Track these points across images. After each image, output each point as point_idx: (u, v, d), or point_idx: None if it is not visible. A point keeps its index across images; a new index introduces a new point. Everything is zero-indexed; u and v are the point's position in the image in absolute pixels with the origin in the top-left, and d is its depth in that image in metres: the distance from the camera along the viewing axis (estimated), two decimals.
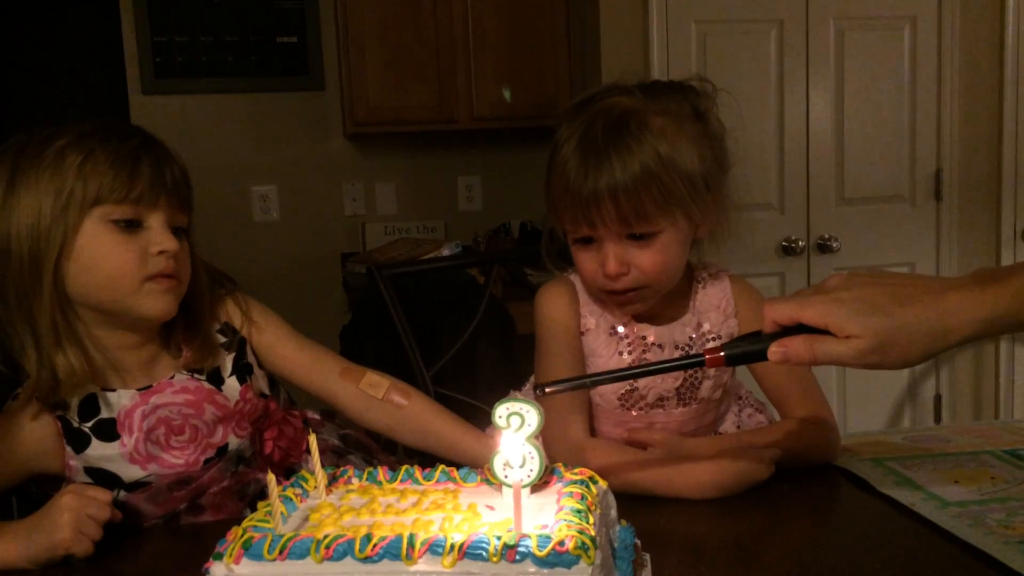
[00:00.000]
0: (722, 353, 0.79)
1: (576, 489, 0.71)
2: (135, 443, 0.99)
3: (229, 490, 1.05)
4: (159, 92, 3.32)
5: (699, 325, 1.13)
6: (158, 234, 0.99)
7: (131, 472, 1.00)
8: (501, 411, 0.72)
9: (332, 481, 0.78)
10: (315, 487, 0.76)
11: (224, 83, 3.35)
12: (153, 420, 1.01)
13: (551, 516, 0.67)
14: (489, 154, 3.52)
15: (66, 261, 0.96)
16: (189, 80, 3.34)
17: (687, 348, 1.12)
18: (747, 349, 0.79)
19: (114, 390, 1.01)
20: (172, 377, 1.04)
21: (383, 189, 3.54)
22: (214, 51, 3.35)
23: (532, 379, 1.21)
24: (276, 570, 0.62)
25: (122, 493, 0.99)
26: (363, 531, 0.64)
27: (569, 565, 0.60)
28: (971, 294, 0.75)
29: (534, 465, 0.72)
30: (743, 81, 2.85)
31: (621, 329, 1.12)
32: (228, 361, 1.09)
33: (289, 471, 1.09)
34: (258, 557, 0.62)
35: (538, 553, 0.60)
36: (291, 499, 0.72)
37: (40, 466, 0.99)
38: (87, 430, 0.99)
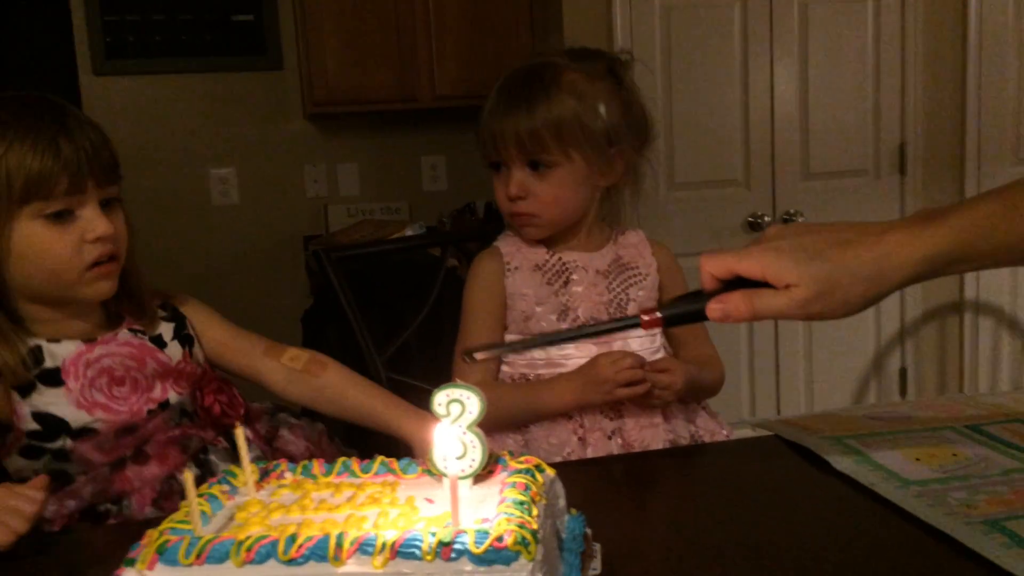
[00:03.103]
0: (659, 314, 0.76)
1: (520, 479, 0.67)
2: (80, 388, 1.01)
3: (173, 440, 1.06)
4: (111, 73, 3.22)
5: (618, 256, 1.27)
6: (92, 220, 0.98)
7: (78, 417, 1.00)
8: (440, 398, 0.68)
9: (264, 476, 0.74)
10: (244, 483, 0.71)
11: (178, 63, 3.26)
12: (96, 369, 1.02)
13: (493, 509, 0.63)
14: (453, 133, 3.46)
15: (3, 256, 0.96)
16: (142, 60, 3.24)
17: (606, 273, 1.24)
18: (685, 309, 0.77)
19: (59, 341, 1.02)
20: (116, 335, 1.07)
21: (345, 170, 3.48)
22: (167, 30, 3.25)
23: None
24: None
25: (69, 441, 1.00)
26: (289, 531, 0.60)
27: (508, 562, 0.56)
28: (909, 233, 0.72)
29: (476, 455, 0.68)
30: (708, 57, 2.81)
31: (542, 262, 1.24)
32: (169, 329, 1.11)
33: (228, 434, 1.10)
34: (173, 562, 0.58)
35: (475, 550, 0.56)
36: (217, 497, 0.68)
37: None
38: (32, 377, 1.00)
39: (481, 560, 0.56)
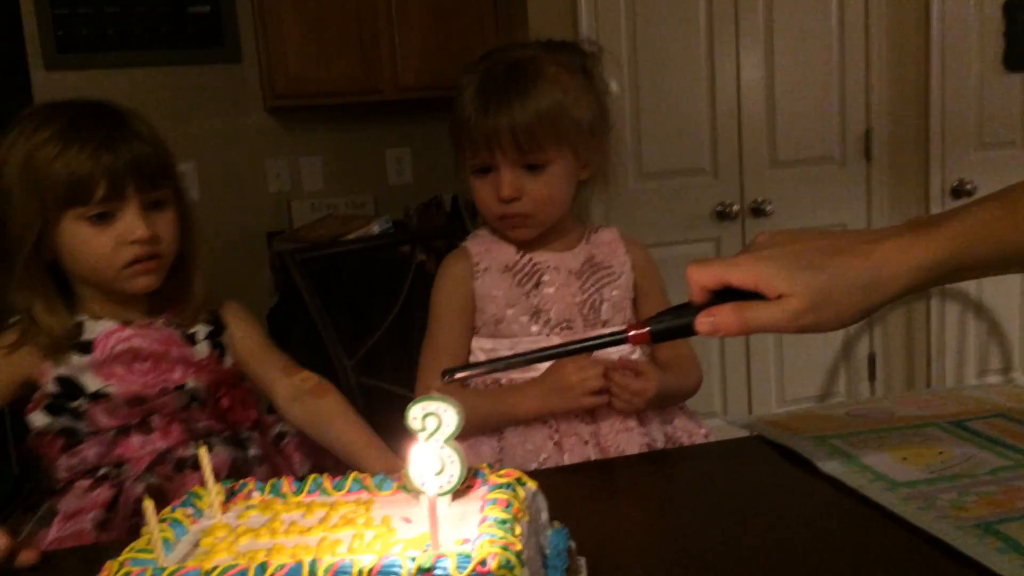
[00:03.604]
0: (647, 329, 0.73)
1: (501, 495, 0.64)
2: (103, 358, 1.10)
3: (178, 418, 1.13)
4: (63, 68, 3.13)
5: (591, 256, 1.24)
6: (131, 224, 1.06)
7: (94, 382, 1.09)
8: (416, 412, 0.65)
9: (230, 496, 0.70)
10: (209, 505, 0.67)
11: (133, 56, 3.18)
12: (123, 346, 1.11)
13: (474, 528, 0.60)
14: (418, 125, 3.41)
15: (51, 245, 1.07)
16: (95, 54, 3.15)
17: (579, 273, 1.22)
18: (673, 324, 0.73)
19: (99, 319, 1.12)
20: (151, 323, 1.15)
21: (308, 164, 3.42)
22: (121, 22, 3.16)
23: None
24: None
25: (85, 403, 1.09)
26: (259, 557, 0.57)
27: None
28: (904, 241, 0.69)
29: (454, 471, 0.64)
30: (673, 45, 2.79)
31: (512, 263, 1.21)
32: (205, 331, 1.19)
33: (234, 435, 1.16)
34: None
35: (457, 575, 0.53)
36: (180, 521, 0.64)
37: (22, 368, 1.09)
38: (68, 346, 1.10)
39: None
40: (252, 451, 1.16)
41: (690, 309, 0.72)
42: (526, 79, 1.12)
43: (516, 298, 1.19)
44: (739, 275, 0.70)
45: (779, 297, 0.68)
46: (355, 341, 1.44)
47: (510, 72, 1.14)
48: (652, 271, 1.28)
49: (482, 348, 1.22)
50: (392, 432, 1.23)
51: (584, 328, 1.20)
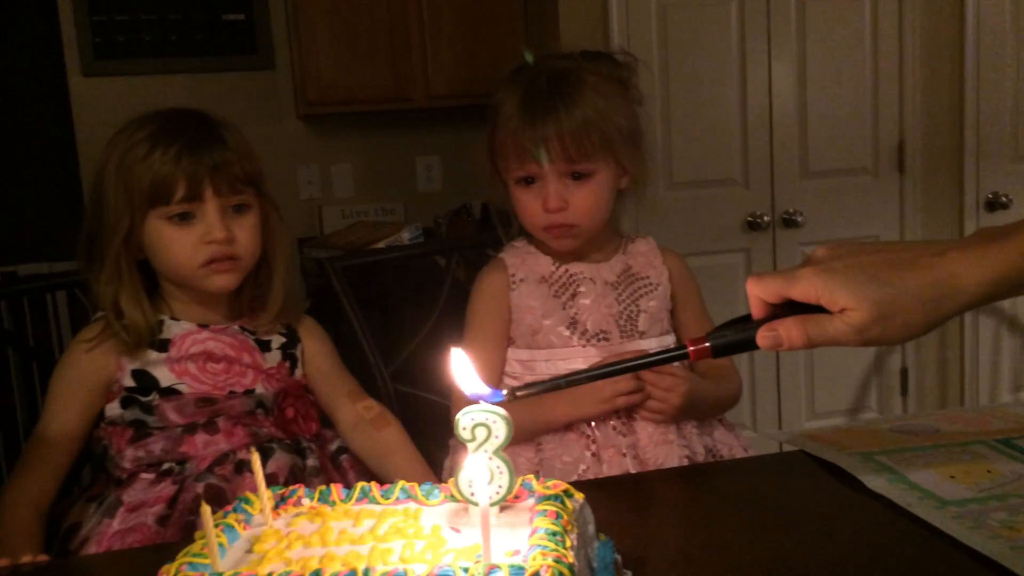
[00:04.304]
0: (707, 344, 0.72)
1: (550, 507, 0.64)
2: (178, 357, 1.14)
3: (242, 422, 1.16)
4: (100, 74, 3.17)
5: (628, 267, 1.25)
6: (210, 224, 1.11)
7: (168, 378, 1.14)
8: (465, 422, 0.65)
9: (280, 503, 0.70)
10: (260, 511, 0.68)
11: (168, 63, 3.22)
12: (199, 347, 1.16)
13: (524, 539, 0.60)
14: (448, 133, 3.43)
15: (138, 242, 1.13)
16: (131, 61, 3.19)
17: (615, 284, 1.22)
18: (734, 338, 0.72)
19: (178, 320, 1.17)
20: (227, 328, 1.20)
21: (339, 171, 3.44)
22: (157, 30, 3.21)
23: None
24: None
25: (157, 398, 1.13)
26: (312, 565, 0.57)
27: None
28: (974, 253, 0.68)
29: (503, 481, 0.65)
30: (705, 55, 2.79)
31: (548, 274, 1.22)
32: (279, 341, 1.23)
33: (295, 444, 1.18)
34: None
35: None
36: (232, 526, 0.65)
37: (104, 365, 1.13)
38: (147, 342, 1.14)
39: None
40: (311, 461, 1.18)
41: (750, 323, 0.72)
42: (570, 88, 1.13)
43: (552, 309, 1.19)
44: (801, 289, 0.69)
45: (842, 311, 0.67)
46: (386, 348, 1.44)
47: (553, 82, 1.15)
48: (690, 281, 1.28)
49: (518, 359, 1.22)
50: (428, 437, 1.24)
51: (620, 339, 1.20)
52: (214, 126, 1.15)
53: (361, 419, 1.23)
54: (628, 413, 1.15)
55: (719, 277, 2.60)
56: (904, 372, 3.02)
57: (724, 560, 0.72)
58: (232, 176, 1.13)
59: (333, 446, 1.24)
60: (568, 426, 1.16)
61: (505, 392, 0.70)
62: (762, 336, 0.70)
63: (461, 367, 0.68)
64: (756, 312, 0.72)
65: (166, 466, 1.12)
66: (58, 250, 4.08)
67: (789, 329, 0.69)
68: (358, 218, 3.38)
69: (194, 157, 1.10)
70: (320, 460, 1.20)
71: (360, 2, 3.05)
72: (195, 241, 1.11)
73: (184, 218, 1.12)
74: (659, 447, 1.13)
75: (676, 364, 1.15)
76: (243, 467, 1.12)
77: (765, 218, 2.87)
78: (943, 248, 0.69)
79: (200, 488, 1.08)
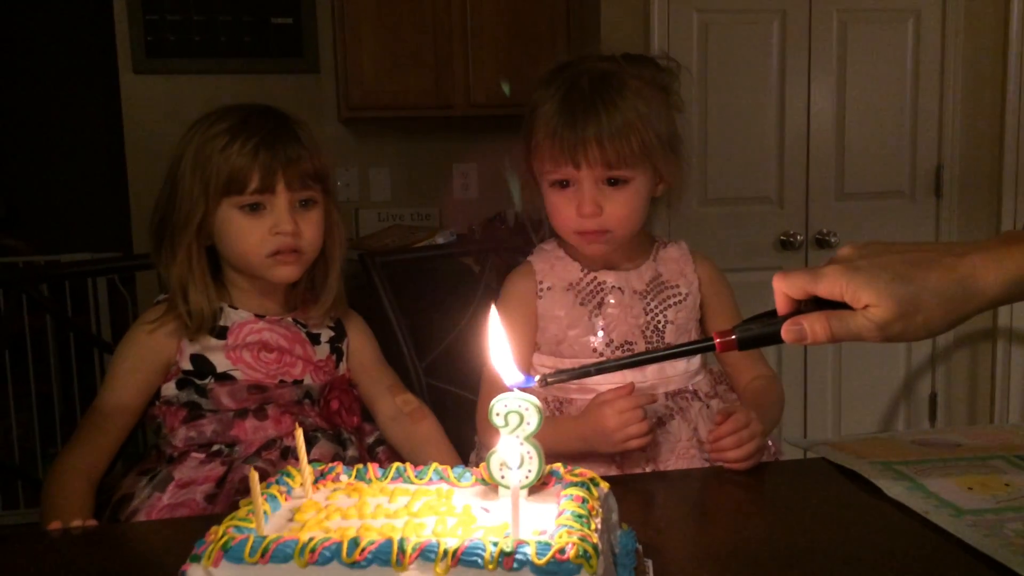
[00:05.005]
0: (733, 336, 0.75)
1: (577, 492, 0.67)
2: (235, 345, 1.19)
3: (290, 411, 1.20)
4: (150, 72, 3.26)
5: (658, 274, 1.23)
6: (279, 217, 1.16)
7: (223, 364, 1.19)
8: (499, 408, 0.68)
9: (319, 478, 0.74)
10: (301, 484, 0.72)
11: (217, 64, 3.29)
12: (255, 337, 1.21)
13: (551, 521, 0.63)
14: (486, 142, 3.47)
15: (209, 229, 1.18)
16: (181, 60, 3.27)
17: (644, 293, 1.21)
18: (760, 332, 0.74)
19: (237, 309, 1.22)
20: (281, 319, 1.24)
21: (377, 175, 3.50)
22: (207, 31, 3.29)
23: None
24: (257, 574, 0.59)
25: (212, 382, 1.18)
26: (351, 534, 0.61)
27: (570, 574, 0.56)
28: (994, 255, 0.70)
29: (533, 466, 0.68)
30: (744, 72, 2.81)
31: (576, 280, 1.22)
32: (327, 335, 1.28)
33: (337, 435, 1.23)
34: (238, 560, 0.58)
35: (537, 561, 0.56)
36: (275, 496, 0.69)
37: (164, 347, 1.18)
38: (207, 327, 1.20)
39: (543, 572, 0.56)
40: (351, 451, 1.22)
41: (775, 318, 0.74)
42: (612, 90, 1.12)
43: (578, 318, 1.19)
44: (826, 286, 0.71)
45: (865, 307, 0.70)
46: (418, 347, 1.48)
47: (595, 83, 1.13)
48: (722, 286, 1.27)
49: (543, 364, 1.22)
50: (455, 432, 1.28)
51: (646, 350, 1.19)
52: (290, 124, 1.20)
53: (399, 412, 1.28)
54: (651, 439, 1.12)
55: (750, 294, 2.58)
56: (933, 397, 3.00)
57: (741, 554, 0.75)
58: (303, 172, 1.17)
59: (371, 439, 1.28)
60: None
61: (537, 378, 0.73)
62: (787, 330, 0.72)
63: (498, 352, 0.71)
64: (781, 308, 0.74)
65: (216, 447, 1.16)
66: (101, 242, 4.19)
67: (813, 323, 0.71)
68: (394, 222, 3.43)
69: (270, 152, 1.15)
70: (359, 451, 1.24)
71: (405, 9, 3.11)
72: (264, 231, 1.16)
73: (255, 208, 1.16)
74: (680, 460, 1.14)
75: (740, 411, 1.05)
76: (289, 453, 1.16)
77: (798, 237, 2.87)
78: (965, 249, 0.71)
79: (247, 470, 1.11)
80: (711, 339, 0.75)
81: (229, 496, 1.10)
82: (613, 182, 1.14)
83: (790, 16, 2.80)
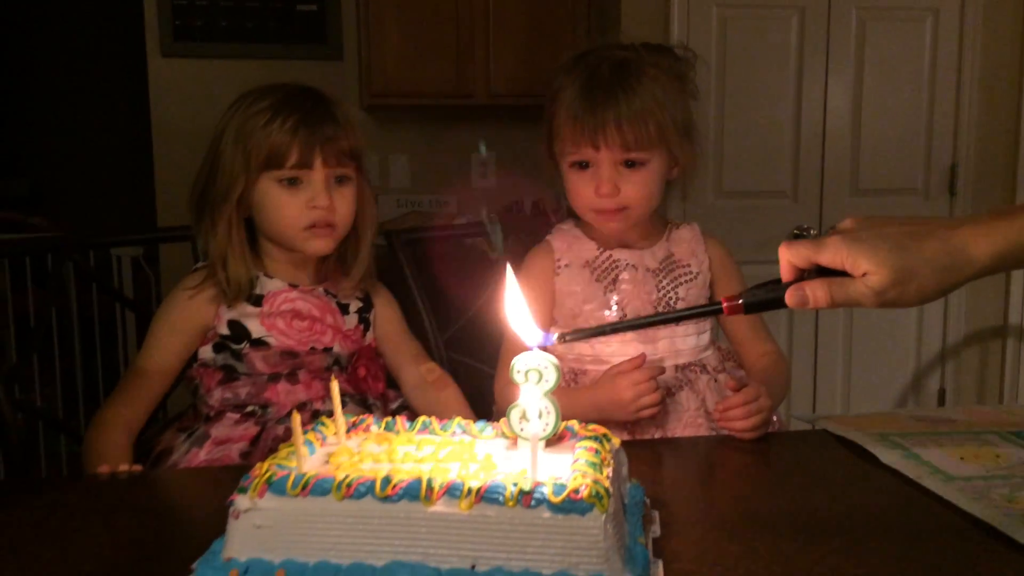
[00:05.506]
0: (740, 300, 0.80)
1: (590, 444, 0.72)
2: (269, 312, 1.25)
3: (320, 376, 1.26)
4: (177, 55, 3.32)
5: (670, 253, 1.29)
6: (316, 191, 1.22)
7: (258, 330, 1.25)
8: (520, 366, 0.73)
9: (351, 428, 0.80)
10: (335, 432, 0.78)
11: (242, 48, 3.35)
12: (288, 306, 1.27)
13: (566, 468, 0.68)
14: (504, 131, 3.52)
15: (249, 202, 1.23)
16: (207, 44, 3.33)
17: (657, 271, 1.27)
18: (765, 297, 0.79)
19: (272, 278, 1.28)
20: (314, 290, 1.30)
21: (397, 162, 3.55)
22: (233, 16, 3.35)
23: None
24: (297, 505, 0.64)
25: (247, 347, 1.24)
26: (383, 473, 0.66)
27: (583, 512, 0.61)
28: (984, 227, 0.75)
29: (550, 420, 0.73)
30: (762, 67, 2.84)
31: (592, 258, 1.27)
32: (356, 305, 1.34)
33: (363, 400, 1.29)
34: (281, 492, 0.64)
35: (553, 499, 0.62)
36: (312, 442, 0.74)
37: (202, 312, 1.24)
38: (244, 295, 1.25)
39: (559, 509, 0.62)
40: (375, 417, 1.27)
41: (779, 285, 0.79)
42: (631, 77, 1.17)
43: (593, 294, 1.25)
44: (828, 255, 0.76)
45: (864, 275, 0.75)
46: (438, 321, 1.54)
47: (615, 70, 1.18)
48: (731, 268, 1.32)
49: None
50: (472, 399, 1.34)
51: (658, 326, 1.23)
52: (328, 103, 1.25)
53: (423, 380, 1.33)
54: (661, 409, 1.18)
55: None
56: (942, 393, 3.03)
57: (741, 509, 0.80)
58: (339, 150, 1.23)
59: (394, 405, 1.34)
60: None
61: (556, 336, 0.78)
62: (791, 294, 0.77)
63: (517, 311, 0.76)
64: (785, 276, 0.79)
65: (250, 408, 1.22)
66: (126, 223, 4.26)
67: (815, 289, 0.76)
68: (412, 208, 3.49)
69: (309, 129, 1.20)
70: (383, 416, 1.29)
71: (427, 0, 3.16)
72: (301, 205, 1.21)
73: (293, 183, 1.21)
74: (687, 429, 1.19)
75: (751, 385, 1.10)
76: (318, 416, 1.21)
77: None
78: (958, 223, 0.76)
79: (280, 430, 1.19)
80: (719, 303, 0.80)
81: (263, 454, 1.15)
82: (630, 164, 1.19)
83: (809, 13, 2.84)
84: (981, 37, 2.85)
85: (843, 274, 0.76)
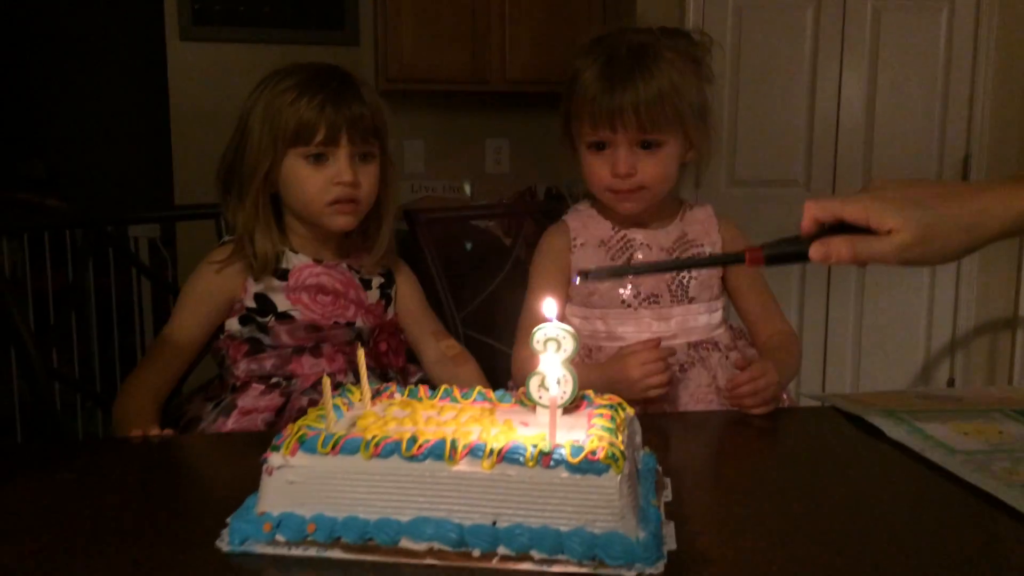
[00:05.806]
0: (762, 253, 0.81)
1: (606, 411, 0.75)
2: (295, 287, 1.29)
3: (343, 350, 1.29)
4: (196, 39, 3.35)
5: (683, 233, 1.32)
6: (340, 168, 1.25)
7: (284, 303, 1.28)
8: (539, 336, 0.76)
9: (376, 395, 0.83)
10: (360, 399, 0.81)
11: (260, 33, 3.38)
12: (313, 281, 1.31)
13: (583, 434, 0.71)
14: (519, 117, 3.54)
15: (275, 178, 1.26)
16: (226, 28, 3.36)
17: (671, 251, 1.30)
18: (787, 250, 0.81)
19: (297, 253, 1.32)
20: (337, 265, 1.34)
21: (411, 147, 3.58)
22: (252, 1, 3.37)
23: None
24: (327, 463, 0.68)
25: (272, 320, 1.28)
26: (408, 434, 0.69)
27: (600, 472, 0.65)
28: (1006, 190, 0.78)
29: (568, 388, 0.76)
30: (777, 58, 2.85)
31: (607, 237, 1.30)
32: (378, 281, 1.37)
33: (384, 374, 1.33)
34: (312, 451, 0.68)
35: (571, 460, 0.65)
36: (339, 407, 0.78)
37: (229, 285, 1.27)
38: (271, 269, 1.29)
39: (576, 469, 0.65)
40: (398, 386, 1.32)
41: (802, 239, 0.81)
42: (648, 60, 1.20)
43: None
44: (853, 210, 0.78)
45: (889, 232, 0.76)
46: (456, 300, 1.57)
47: (633, 53, 1.21)
48: (742, 246, 1.34)
49: (575, 315, 1.32)
50: (488, 375, 1.37)
51: (671, 303, 1.28)
52: (354, 82, 1.28)
53: (443, 356, 1.37)
54: (672, 385, 1.21)
55: (773, 274, 2.66)
56: (951, 383, 3.05)
57: (749, 480, 0.83)
58: (364, 128, 1.25)
59: (414, 379, 1.37)
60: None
61: (579, 277, 0.82)
62: (815, 249, 0.79)
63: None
64: (807, 229, 0.81)
65: (275, 380, 1.26)
66: (143, 203, 4.30)
67: (839, 245, 0.78)
68: (427, 193, 3.52)
69: (335, 107, 1.23)
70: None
71: None
72: (325, 181, 1.24)
73: (318, 159, 1.24)
74: (699, 405, 1.22)
75: (760, 362, 1.13)
76: (341, 387, 1.25)
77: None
78: (981, 186, 0.80)
79: (304, 401, 1.22)
80: (741, 253, 0.81)
81: (287, 424, 1.19)
82: (647, 145, 1.22)
83: (825, 3, 2.84)
84: (996, 28, 2.86)
85: (864, 232, 0.78)
